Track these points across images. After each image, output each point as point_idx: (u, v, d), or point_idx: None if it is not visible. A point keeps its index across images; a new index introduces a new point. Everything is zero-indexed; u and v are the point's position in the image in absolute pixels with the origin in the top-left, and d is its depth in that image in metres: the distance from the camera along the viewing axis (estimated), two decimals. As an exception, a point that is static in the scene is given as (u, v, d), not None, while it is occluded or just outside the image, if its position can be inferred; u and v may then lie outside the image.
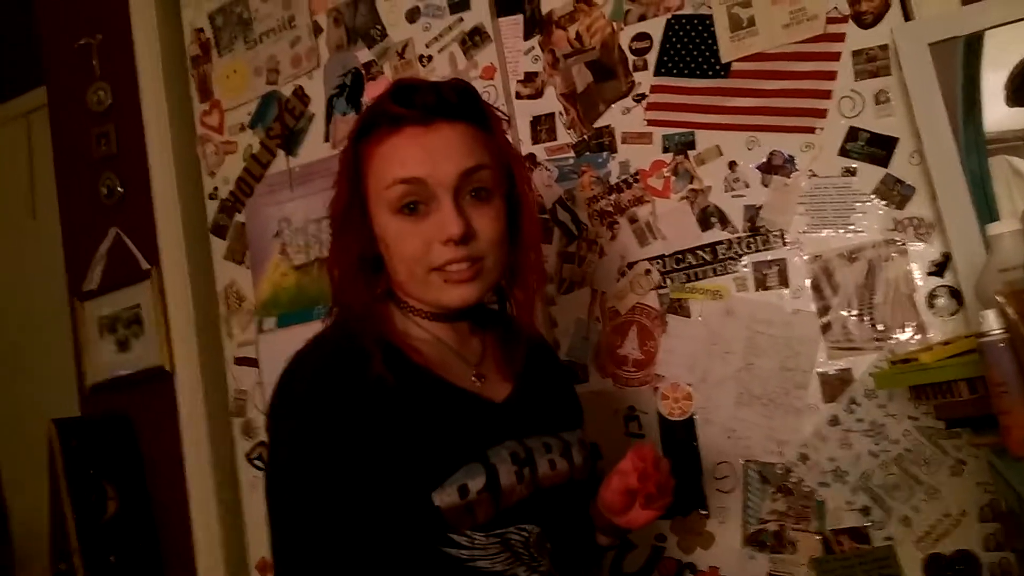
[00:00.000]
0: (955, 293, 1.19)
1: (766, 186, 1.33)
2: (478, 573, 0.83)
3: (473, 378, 0.93)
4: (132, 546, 1.88)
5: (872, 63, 1.25)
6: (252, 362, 1.82)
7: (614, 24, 1.45)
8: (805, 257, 1.29)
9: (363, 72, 1.70)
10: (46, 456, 1.85)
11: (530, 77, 1.53)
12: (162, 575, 1.91)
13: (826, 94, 1.28)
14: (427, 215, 0.87)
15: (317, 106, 1.75)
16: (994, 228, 1.00)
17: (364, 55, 1.70)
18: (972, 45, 1.16)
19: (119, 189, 2.03)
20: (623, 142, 1.44)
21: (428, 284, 0.89)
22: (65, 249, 2.14)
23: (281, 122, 1.80)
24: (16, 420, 2.58)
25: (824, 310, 1.27)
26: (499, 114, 0.99)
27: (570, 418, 1.02)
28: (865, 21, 1.26)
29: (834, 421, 1.26)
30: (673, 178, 1.40)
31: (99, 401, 2.03)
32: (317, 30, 1.76)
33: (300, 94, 1.78)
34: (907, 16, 1.24)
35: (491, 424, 0.90)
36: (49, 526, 1.84)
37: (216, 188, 1.90)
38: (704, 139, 1.37)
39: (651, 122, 1.42)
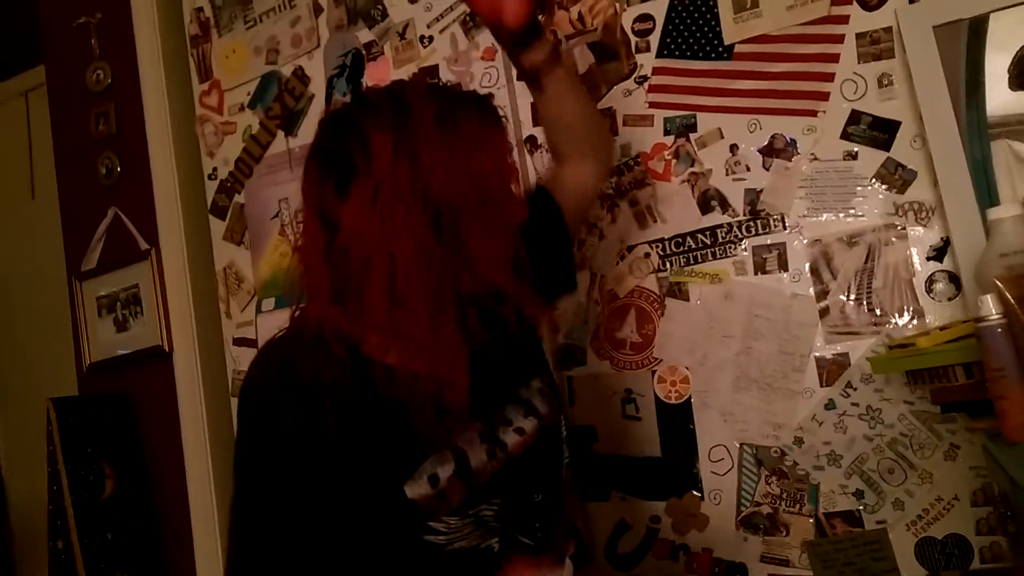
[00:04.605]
0: (953, 278, 1.19)
1: (767, 169, 1.32)
2: (455, 554, 0.84)
3: None
4: (129, 525, 1.89)
5: (875, 45, 1.25)
6: (251, 343, 1.82)
7: (616, 5, 1.44)
8: (805, 241, 1.29)
9: (363, 53, 1.69)
10: (44, 435, 1.86)
11: (531, 58, 1.52)
12: (160, 554, 1.93)
13: (829, 77, 1.27)
14: None
15: (317, 87, 1.74)
16: (995, 213, 1.00)
17: (365, 35, 1.69)
18: (976, 28, 1.15)
19: (118, 169, 2.02)
20: (624, 124, 1.43)
21: None
22: (64, 229, 2.14)
23: (281, 102, 1.79)
24: (15, 399, 2.59)
25: (823, 294, 1.27)
26: None
27: (526, 365, 0.99)
28: (869, 3, 1.25)
29: (830, 405, 1.26)
30: (674, 161, 1.39)
31: (98, 380, 2.04)
32: (317, 10, 1.75)
33: (300, 74, 1.77)
34: (911, -2, 1.23)
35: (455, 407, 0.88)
36: (47, 504, 1.85)
37: (215, 169, 1.90)
38: (706, 122, 1.37)
39: (653, 104, 1.41)
